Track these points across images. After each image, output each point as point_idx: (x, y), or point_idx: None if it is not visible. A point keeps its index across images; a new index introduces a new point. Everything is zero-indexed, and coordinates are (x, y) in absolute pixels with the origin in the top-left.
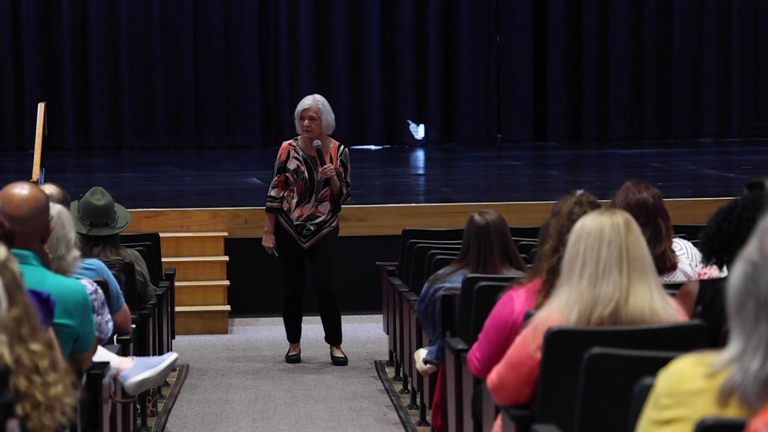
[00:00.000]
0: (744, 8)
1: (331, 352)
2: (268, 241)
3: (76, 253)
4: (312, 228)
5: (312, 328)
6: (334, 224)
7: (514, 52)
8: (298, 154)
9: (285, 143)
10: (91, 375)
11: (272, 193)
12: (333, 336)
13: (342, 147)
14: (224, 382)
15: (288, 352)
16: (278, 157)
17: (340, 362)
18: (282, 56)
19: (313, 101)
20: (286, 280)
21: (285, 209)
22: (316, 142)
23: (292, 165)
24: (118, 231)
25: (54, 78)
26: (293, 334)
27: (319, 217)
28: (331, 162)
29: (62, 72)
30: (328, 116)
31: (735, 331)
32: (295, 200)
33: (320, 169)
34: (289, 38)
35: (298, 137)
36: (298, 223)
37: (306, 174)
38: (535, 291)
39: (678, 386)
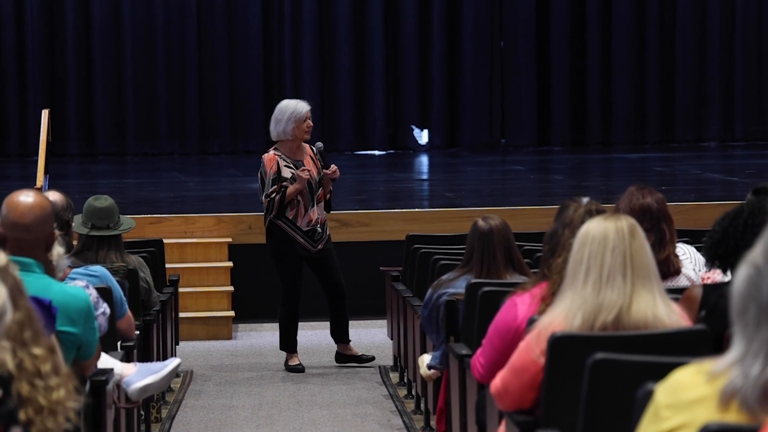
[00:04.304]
0: (747, 12)
1: (345, 352)
2: (303, 174)
3: (59, 250)
4: (320, 230)
5: (316, 333)
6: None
7: (517, 56)
8: (287, 162)
9: (270, 155)
10: (95, 381)
11: (271, 196)
12: (345, 334)
13: (313, 148)
14: (228, 388)
15: (288, 362)
16: (268, 170)
17: (366, 359)
18: (285, 62)
19: (308, 104)
20: (289, 287)
21: (290, 217)
22: (319, 145)
23: (286, 173)
24: (119, 232)
25: (58, 85)
26: (292, 344)
27: (320, 217)
28: (313, 163)
29: (66, 79)
30: None
31: (737, 335)
32: (302, 207)
33: (332, 170)
34: (292, 44)
35: (277, 145)
36: (309, 228)
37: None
38: (539, 297)
39: (679, 397)
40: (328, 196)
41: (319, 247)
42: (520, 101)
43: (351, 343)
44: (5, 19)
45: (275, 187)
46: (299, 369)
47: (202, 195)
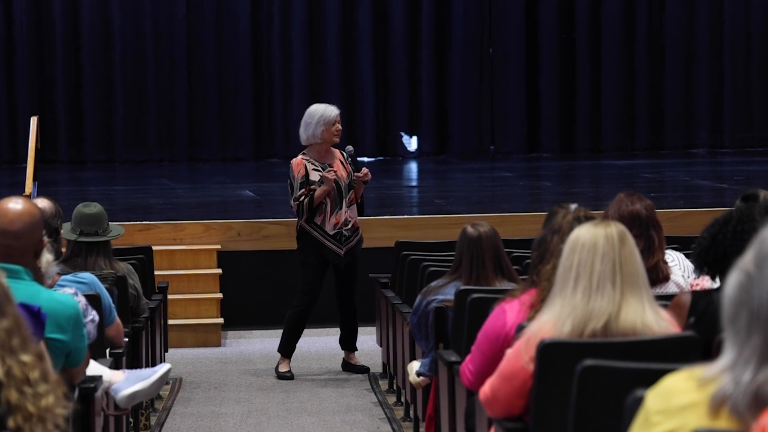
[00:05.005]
0: (735, 19)
1: (349, 360)
2: (329, 175)
3: (48, 257)
4: (347, 234)
5: (305, 341)
6: (360, 232)
7: (506, 63)
8: (315, 165)
9: (298, 159)
10: (84, 389)
11: (300, 200)
12: (352, 344)
13: (343, 152)
14: (217, 395)
15: (279, 368)
16: (296, 174)
17: (364, 370)
18: (275, 68)
19: (337, 108)
20: (307, 291)
21: (318, 222)
22: (349, 148)
23: (314, 177)
24: (108, 239)
25: (47, 91)
26: (291, 349)
27: (350, 221)
28: (343, 166)
29: (55, 85)
30: None
31: (728, 341)
32: (328, 210)
33: (363, 172)
34: (281, 50)
35: (306, 150)
36: (335, 231)
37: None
38: (528, 303)
39: (669, 402)
40: (360, 200)
41: (351, 244)
42: (509, 108)
43: (356, 353)
44: None
45: (303, 190)
46: (288, 376)
47: (191, 202)
